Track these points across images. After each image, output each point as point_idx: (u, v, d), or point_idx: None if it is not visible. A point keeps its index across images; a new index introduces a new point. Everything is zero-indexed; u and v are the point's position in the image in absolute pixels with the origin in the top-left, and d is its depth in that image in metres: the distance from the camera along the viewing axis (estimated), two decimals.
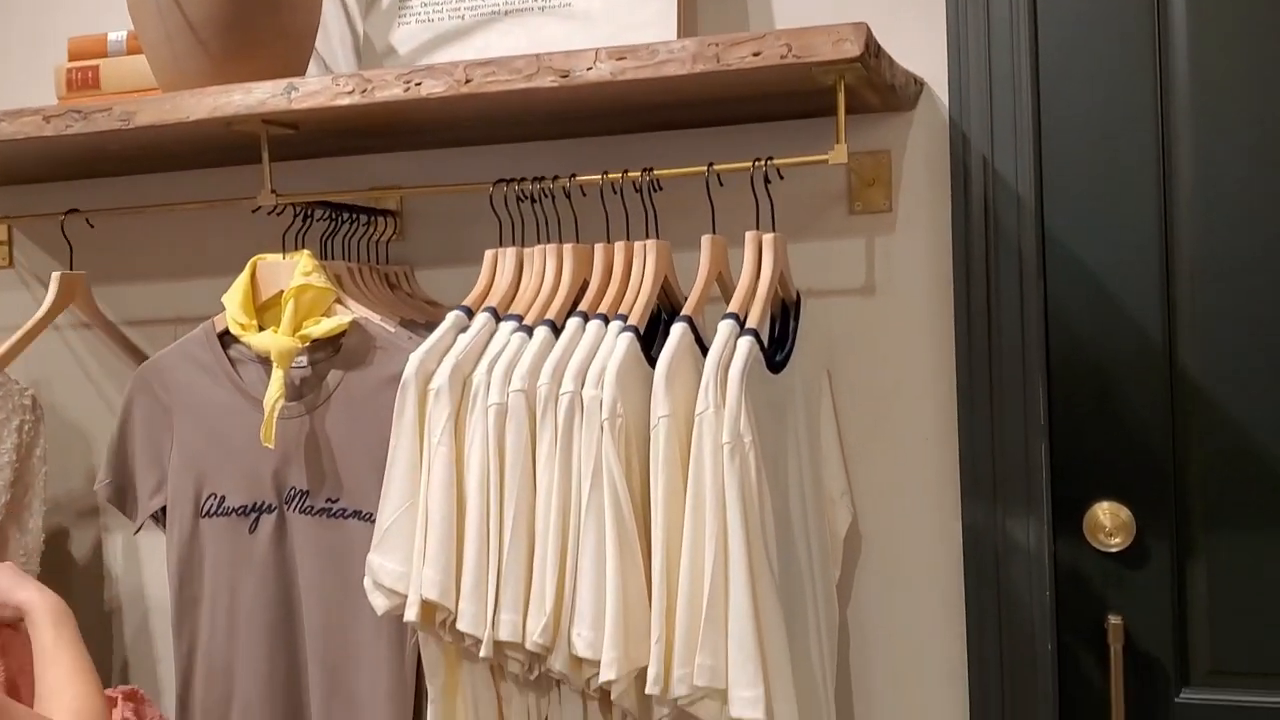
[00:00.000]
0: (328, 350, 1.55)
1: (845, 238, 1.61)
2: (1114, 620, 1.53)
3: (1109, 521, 1.55)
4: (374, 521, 1.35)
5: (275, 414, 1.46)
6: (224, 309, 1.57)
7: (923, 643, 1.59)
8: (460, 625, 1.19)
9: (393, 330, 1.53)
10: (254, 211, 1.60)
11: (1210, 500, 1.53)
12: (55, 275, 1.75)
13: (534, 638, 1.17)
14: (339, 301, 1.55)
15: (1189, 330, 1.53)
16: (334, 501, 1.52)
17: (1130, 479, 1.55)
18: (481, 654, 1.19)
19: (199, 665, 1.57)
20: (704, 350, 1.24)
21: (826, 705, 1.40)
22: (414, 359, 1.28)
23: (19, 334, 1.74)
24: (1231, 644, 1.53)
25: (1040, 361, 1.53)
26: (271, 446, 1.46)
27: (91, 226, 1.76)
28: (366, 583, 1.28)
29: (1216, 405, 1.53)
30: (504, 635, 1.18)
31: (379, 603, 1.27)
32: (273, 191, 1.56)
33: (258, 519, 1.56)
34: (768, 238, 1.32)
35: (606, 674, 1.13)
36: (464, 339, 1.31)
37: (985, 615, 1.55)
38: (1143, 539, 1.55)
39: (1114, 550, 1.55)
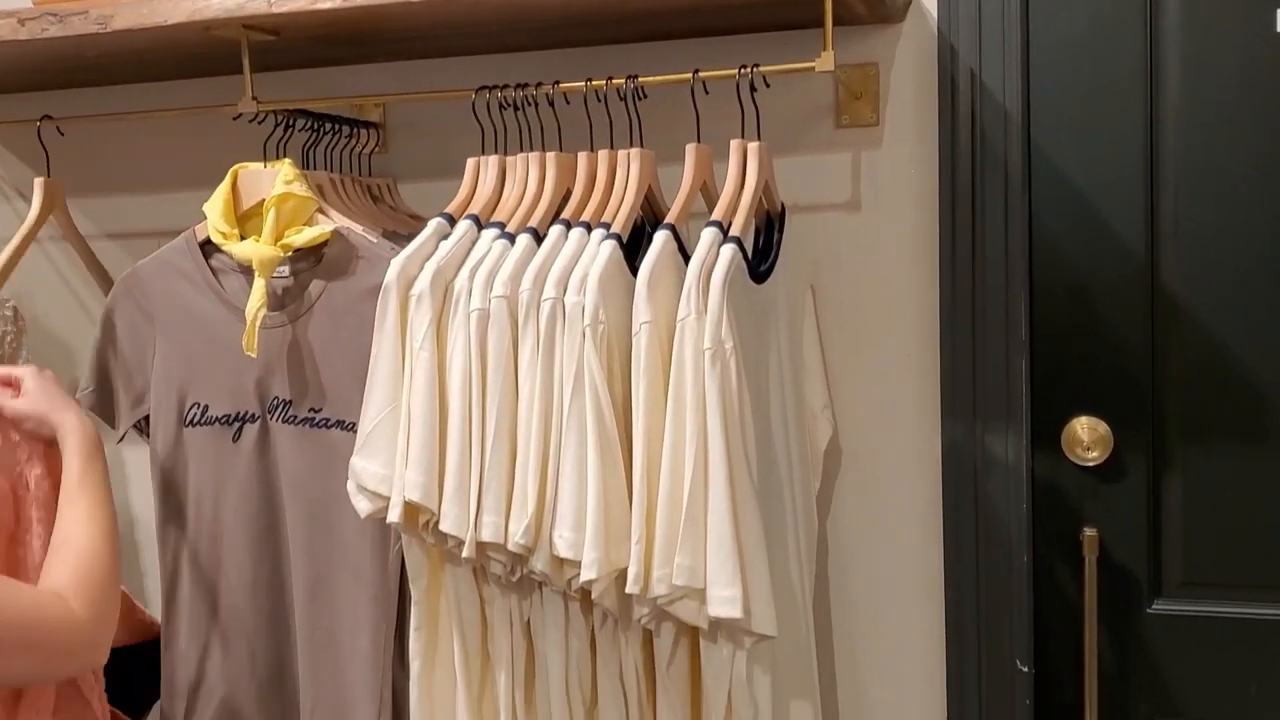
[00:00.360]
0: (310, 260, 1.54)
1: (831, 152, 1.60)
2: (1089, 532, 1.55)
3: (1087, 436, 1.57)
4: (356, 431, 1.35)
5: (257, 323, 1.46)
6: (205, 219, 1.56)
7: (901, 554, 1.62)
8: (443, 527, 1.20)
9: (375, 241, 1.52)
10: (235, 119, 1.58)
11: (1187, 415, 1.55)
12: (38, 181, 1.73)
13: (516, 539, 1.18)
14: (321, 211, 1.54)
15: (1171, 247, 1.54)
16: (317, 411, 1.53)
17: (1109, 394, 1.57)
18: (464, 555, 1.20)
19: (184, 572, 1.59)
20: (687, 259, 1.24)
21: (804, 612, 1.43)
22: (395, 264, 1.28)
23: (13, 243, 1.71)
24: (1204, 556, 1.55)
25: (1023, 277, 1.54)
26: (254, 355, 1.46)
27: (62, 135, 1.74)
28: (350, 486, 1.29)
29: (1196, 322, 1.54)
30: (486, 536, 1.19)
31: (362, 505, 1.28)
32: (253, 98, 1.54)
33: (241, 428, 1.56)
34: (752, 146, 1.31)
35: (587, 574, 1.15)
36: (446, 245, 1.30)
37: (963, 527, 1.57)
38: (1119, 453, 1.57)
39: (1091, 464, 1.57)
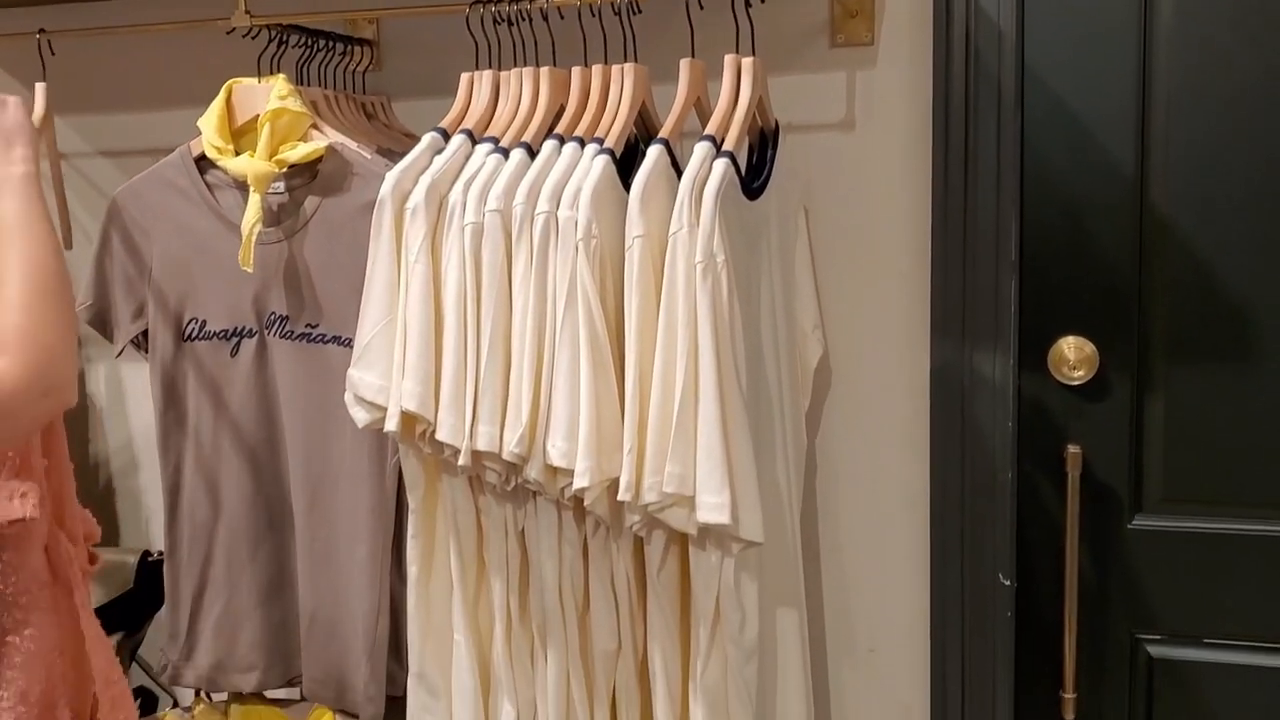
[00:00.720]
0: (305, 176, 1.55)
1: (826, 71, 1.61)
2: (1073, 449, 1.58)
3: (1073, 355, 1.59)
4: (352, 345, 1.37)
5: (253, 238, 1.47)
6: (199, 135, 1.57)
7: (887, 471, 1.65)
8: (439, 435, 1.23)
9: (369, 157, 1.53)
10: (228, 34, 1.57)
11: (1172, 335, 1.57)
12: (39, 86, 1.70)
13: (510, 448, 1.20)
14: (315, 127, 1.54)
15: (1161, 168, 1.55)
16: (314, 326, 1.55)
17: (1096, 314, 1.59)
18: (460, 463, 1.23)
19: (185, 484, 1.62)
20: (680, 175, 1.25)
21: (791, 525, 1.46)
22: (390, 178, 1.29)
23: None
24: (1184, 473, 1.59)
25: (1014, 197, 1.55)
26: (250, 270, 1.47)
27: (54, 54, 1.73)
28: (347, 397, 1.31)
29: (1184, 243, 1.55)
30: (482, 445, 1.22)
31: (360, 416, 1.31)
32: (247, 13, 1.53)
33: (239, 343, 1.58)
34: (746, 61, 1.32)
35: (580, 482, 1.18)
36: (440, 160, 1.31)
37: (949, 444, 1.60)
38: (1105, 372, 1.59)
39: (1076, 383, 1.60)
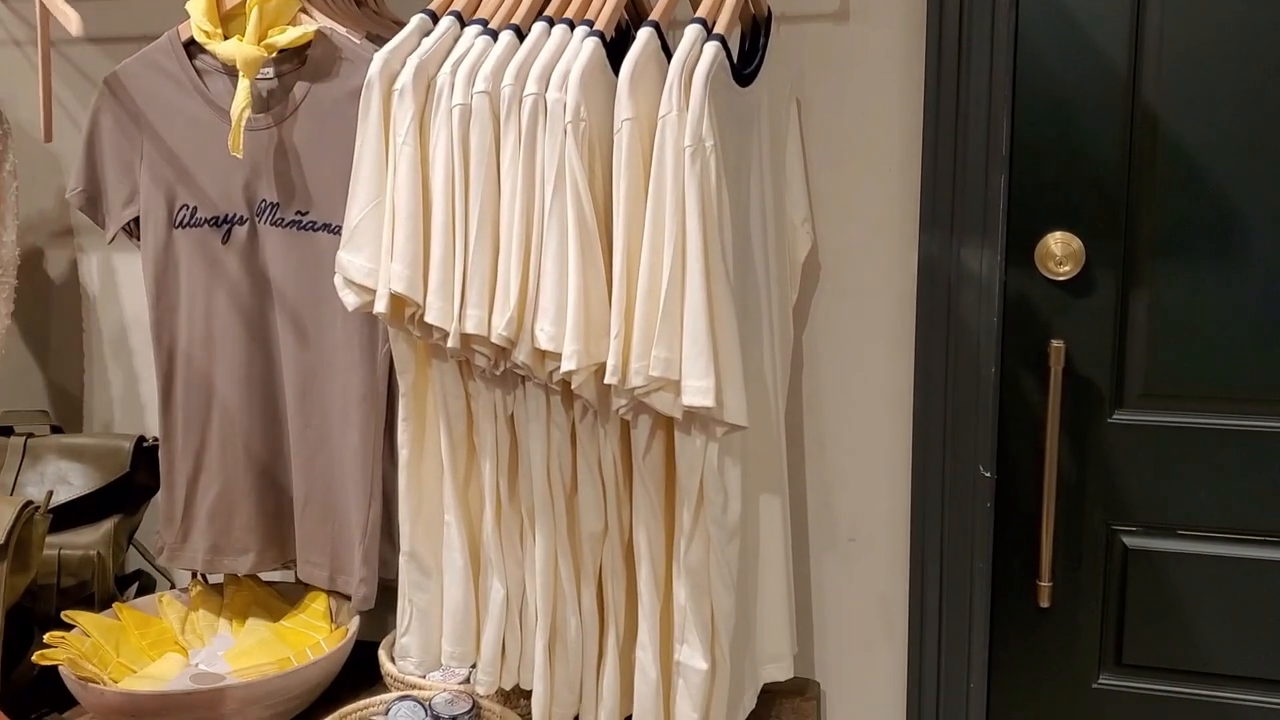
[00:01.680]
0: (294, 62, 1.54)
1: None
2: (1056, 344, 1.60)
3: (1060, 250, 1.60)
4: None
5: (242, 124, 1.47)
6: (188, 20, 1.55)
7: (872, 364, 1.67)
8: (428, 318, 1.24)
9: (359, 42, 1.52)
10: None
11: (1159, 233, 1.58)
12: None
13: (499, 331, 1.22)
14: (304, 12, 1.53)
15: (1154, 63, 1.54)
16: (304, 214, 1.55)
17: (1085, 210, 1.60)
18: (449, 346, 1.24)
19: (179, 369, 1.63)
20: (670, 59, 1.24)
21: (776, 414, 1.48)
22: (378, 59, 1.28)
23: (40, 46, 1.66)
24: (1166, 368, 1.61)
25: (1006, 93, 1.54)
26: (240, 156, 1.47)
27: None
28: (336, 280, 1.32)
29: (1175, 141, 1.55)
30: (470, 328, 1.23)
31: (349, 299, 1.32)
32: None
33: (230, 230, 1.58)
34: None
35: (567, 365, 1.19)
36: (428, 42, 1.30)
37: (934, 338, 1.62)
38: (1090, 268, 1.60)
39: (1062, 279, 1.61)
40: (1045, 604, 1.67)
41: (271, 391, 1.62)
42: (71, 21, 1.54)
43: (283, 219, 1.56)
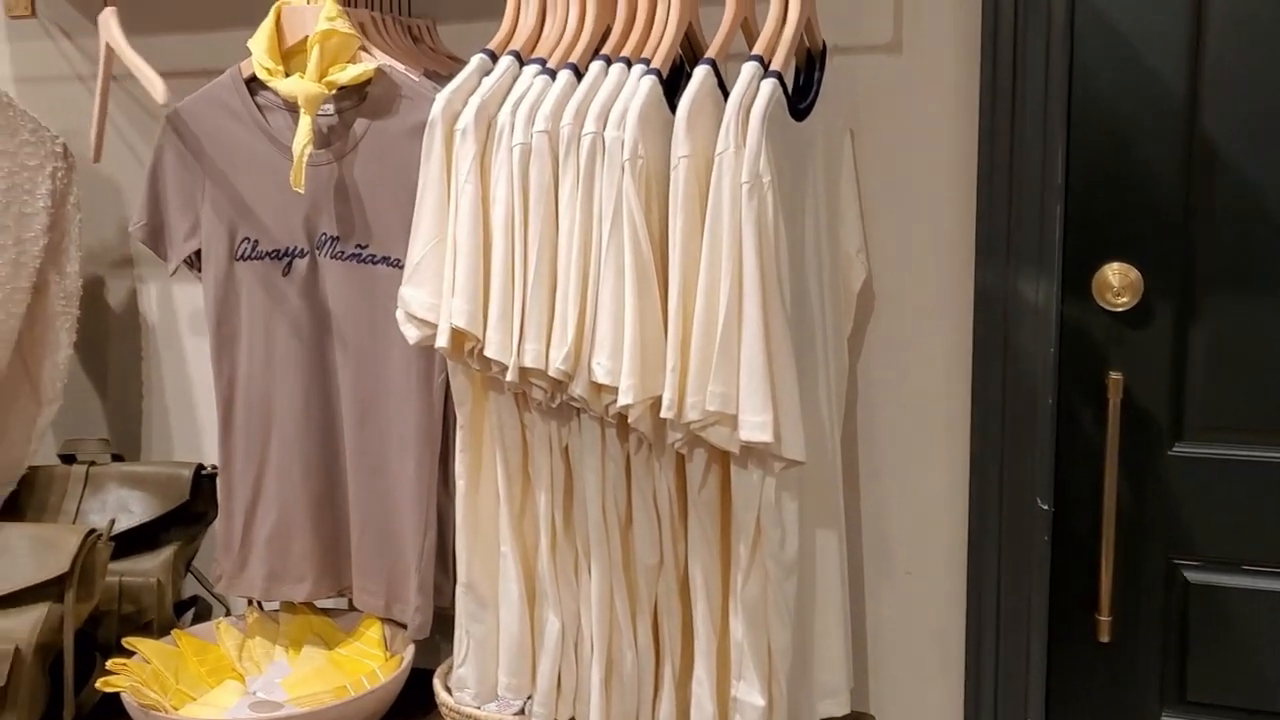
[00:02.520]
0: (354, 98, 1.56)
1: None
2: (1114, 376, 1.59)
3: (1117, 281, 1.59)
4: (402, 267, 1.39)
5: (304, 160, 1.49)
6: (249, 57, 1.58)
7: (928, 396, 1.66)
8: (487, 352, 1.25)
9: (417, 80, 1.54)
10: None
11: (1219, 263, 1.56)
12: (109, 10, 1.70)
13: (556, 364, 1.23)
14: (364, 49, 1.55)
15: (1213, 94, 1.53)
16: (363, 248, 1.57)
17: (1142, 240, 1.58)
18: (508, 379, 1.25)
19: (238, 397, 1.66)
20: (726, 97, 1.25)
21: (832, 447, 1.48)
22: (440, 99, 1.30)
23: (100, 79, 1.70)
24: (1225, 401, 1.59)
25: (1062, 121, 1.53)
26: (301, 191, 1.50)
27: None
28: (399, 314, 1.34)
29: (1234, 169, 1.53)
30: (528, 362, 1.24)
31: (410, 333, 1.33)
32: None
33: (290, 263, 1.61)
34: None
35: (624, 399, 1.20)
36: (488, 81, 1.32)
37: (990, 370, 1.61)
38: (1149, 299, 1.59)
39: (1120, 310, 1.60)
40: (1105, 639, 1.64)
41: (330, 420, 1.64)
42: (157, 90, 1.58)
43: (343, 252, 1.58)
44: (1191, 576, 1.63)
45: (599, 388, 1.23)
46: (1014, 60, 1.54)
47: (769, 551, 1.28)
